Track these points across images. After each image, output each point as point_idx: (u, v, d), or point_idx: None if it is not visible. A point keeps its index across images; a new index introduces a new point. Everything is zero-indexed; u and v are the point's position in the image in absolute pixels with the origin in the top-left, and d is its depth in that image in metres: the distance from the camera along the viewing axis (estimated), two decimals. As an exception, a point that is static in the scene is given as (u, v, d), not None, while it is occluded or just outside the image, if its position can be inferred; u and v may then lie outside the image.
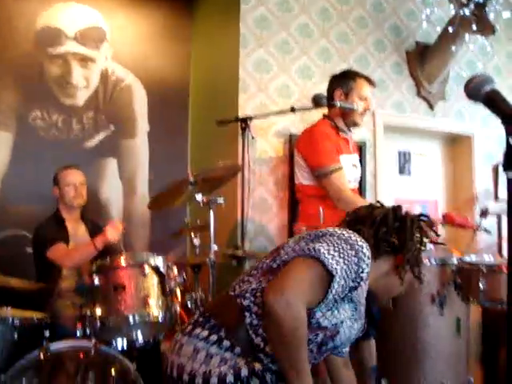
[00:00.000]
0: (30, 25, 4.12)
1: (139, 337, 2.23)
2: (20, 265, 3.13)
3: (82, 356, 2.16)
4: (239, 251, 2.43)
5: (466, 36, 3.59)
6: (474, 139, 4.17)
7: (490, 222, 2.46)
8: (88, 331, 2.21)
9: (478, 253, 2.55)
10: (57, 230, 2.84)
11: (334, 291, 1.30)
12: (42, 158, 3.89)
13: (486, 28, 3.44)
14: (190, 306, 2.29)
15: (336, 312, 1.37)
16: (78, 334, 2.24)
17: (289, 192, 3.33)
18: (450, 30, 3.56)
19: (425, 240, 1.53)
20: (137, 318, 2.11)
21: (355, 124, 2.76)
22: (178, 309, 2.22)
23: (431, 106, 3.99)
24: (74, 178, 2.95)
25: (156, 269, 2.18)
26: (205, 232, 2.63)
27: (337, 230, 1.42)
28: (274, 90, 3.45)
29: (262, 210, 3.27)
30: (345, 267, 1.31)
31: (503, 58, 4.45)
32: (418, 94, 3.92)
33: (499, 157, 3.63)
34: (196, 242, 2.57)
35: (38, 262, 2.86)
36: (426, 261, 2.25)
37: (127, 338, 2.23)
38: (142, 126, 4.04)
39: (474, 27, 3.47)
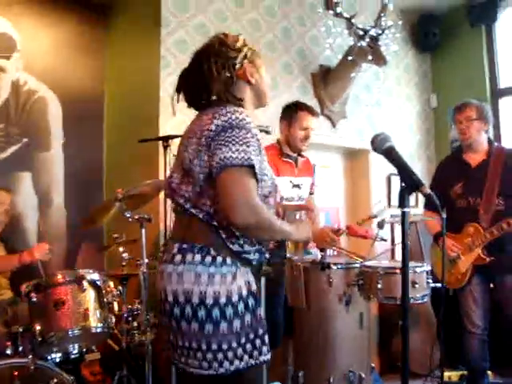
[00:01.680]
0: None
1: (75, 349, 2.31)
2: None
3: (16, 373, 2.13)
4: None
5: (363, 64, 4.05)
6: (371, 153, 4.66)
7: (384, 230, 2.84)
8: (21, 348, 2.22)
9: (377, 258, 2.95)
10: None
11: (259, 172, 1.48)
12: None
13: (379, 58, 3.90)
14: (126, 316, 2.44)
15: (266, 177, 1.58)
16: (9, 352, 2.22)
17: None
18: (349, 58, 3.99)
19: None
20: (76, 331, 2.20)
21: (298, 150, 3.07)
22: (114, 319, 2.36)
23: (333, 124, 4.41)
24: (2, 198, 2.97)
25: (93, 283, 2.31)
26: (130, 246, 2.80)
27: (225, 119, 1.48)
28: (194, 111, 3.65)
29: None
30: (252, 150, 1.44)
31: (393, 81, 5.02)
32: (322, 112, 4.30)
33: (391, 169, 4.18)
34: (125, 255, 2.72)
35: None
36: (334, 266, 2.61)
37: (64, 351, 2.28)
38: (57, 138, 3.98)
39: (370, 57, 3.93)
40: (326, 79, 4.28)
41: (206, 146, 1.45)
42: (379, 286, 2.43)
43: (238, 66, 1.61)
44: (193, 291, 1.44)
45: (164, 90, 3.56)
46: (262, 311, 1.57)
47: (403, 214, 1.27)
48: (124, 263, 2.79)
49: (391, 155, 1.37)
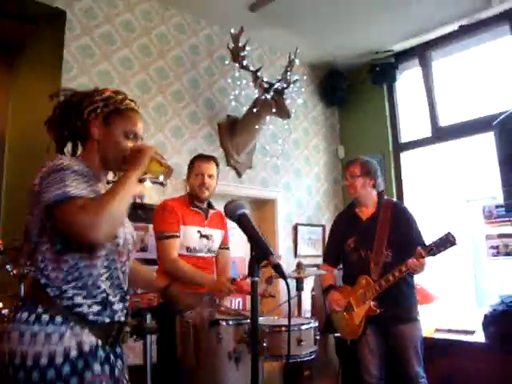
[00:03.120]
0: None
1: None
2: None
3: None
4: None
5: (267, 117, 4.15)
6: (277, 202, 4.74)
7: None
8: None
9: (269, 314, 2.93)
10: None
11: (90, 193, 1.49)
12: None
13: (283, 112, 4.02)
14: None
15: None
16: None
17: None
18: (254, 110, 4.08)
19: None
20: None
21: (200, 198, 3.05)
22: None
23: (239, 174, 4.44)
24: None
25: None
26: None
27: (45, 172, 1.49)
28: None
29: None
30: (68, 183, 1.43)
31: (301, 132, 5.18)
32: (228, 163, 4.34)
33: (297, 217, 4.23)
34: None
35: None
36: (223, 322, 2.56)
37: None
38: None
39: (274, 110, 4.04)
40: (233, 130, 4.33)
41: (35, 201, 1.46)
42: (264, 344, 2.39)
43: (84, 117, 1.60)
44: (15, 352, 1.37)
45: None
46: (100, 371, 1.46)
47: (253, 283, 1.25)
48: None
49: (242, 222, 1.36)
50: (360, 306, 3.00)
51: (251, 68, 4.07)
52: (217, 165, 3.13)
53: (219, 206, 4.58)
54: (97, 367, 1.44)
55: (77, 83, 3.55)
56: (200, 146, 4.18)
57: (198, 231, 3.04)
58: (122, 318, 1.57)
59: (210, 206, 3.17)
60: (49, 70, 3.78)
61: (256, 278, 1.27)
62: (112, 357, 1.53)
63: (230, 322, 2.56)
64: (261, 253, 1.28)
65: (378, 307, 2.92)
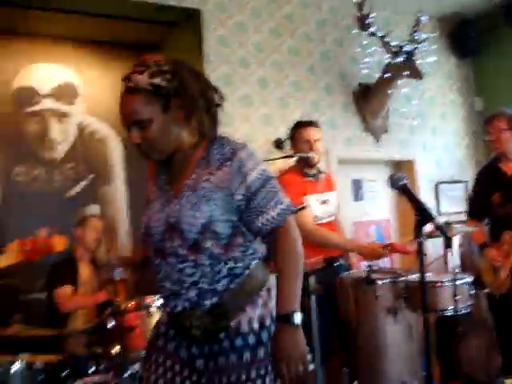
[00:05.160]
0: (7, 87, 4.46)
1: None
2: (15, 311, 3.43)
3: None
4: None
5: (400, 80, 4.18)
6: (416, 162, 4.76)
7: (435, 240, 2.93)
8: (102, 367, 2.54)
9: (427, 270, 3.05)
10: (68, 271, 3.16)
11: None
12: (27, 210, 4.21)
13: (415, 73, 4.03)
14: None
15: None
16: (91, 371, 2.55)
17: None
18: (386, 75, 4.14)
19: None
20: None
21: (312, 165, 3.21)
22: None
23: (376, 138, 4.55)
24: (98, 224, 3.36)
25: (159, 308, 2.59)
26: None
27: None
28: (240, 137, 3.91)
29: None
30: None
31: (435, 89, 5.09)
32: (365, 129, 4.48)
33: (438, 176, 4.25)
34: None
35: (48, 302, 3.15)
36: (379, 281, 2.76)
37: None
38: (119, 172, 4.32)
39: (406, 72, 4.06)
40: (367, 96, 4.44)
41: None
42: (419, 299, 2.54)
43: None
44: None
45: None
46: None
47: (419, 244, 1.44)
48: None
49: (406, 192, 1.55)
50: (505, 262, 3.00)
51: (379, 34, 4.11)
52: (319, 128, 3.15)
53: (356, 171, 4.74)
54: None
55: (219, 74, 3.93)
56: (337, 115, 4.37)
57: (317, 199, 3.09)
58: None
59: (318, 170, 3.19)
60: (191, 65, 4.17)
61: (421, 239, 1.46)
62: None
63: (386, 281, 2.77)
64: (424, 217, 1.46)
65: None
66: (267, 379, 1.41)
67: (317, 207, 3.10)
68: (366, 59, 4.31)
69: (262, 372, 1.41)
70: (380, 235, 4.59)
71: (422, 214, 1.48)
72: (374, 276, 2.78)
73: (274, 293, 1.48)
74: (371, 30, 4.08)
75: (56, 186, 4.45)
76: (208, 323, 1.42)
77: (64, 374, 2.56)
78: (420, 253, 1.45)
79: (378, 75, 4.34)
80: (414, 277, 2.76)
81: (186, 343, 1.49)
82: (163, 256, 1.47)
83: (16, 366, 2.45)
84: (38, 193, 4.42)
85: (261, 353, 1.42)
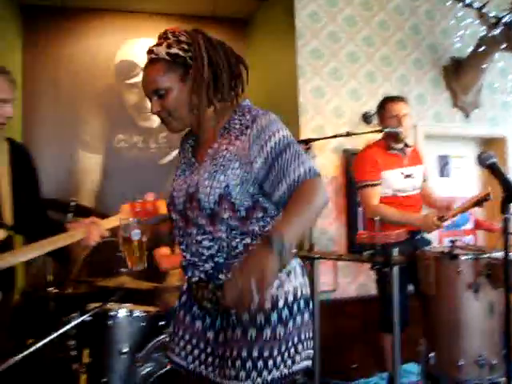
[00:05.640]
0: (110, 60, 4.81)
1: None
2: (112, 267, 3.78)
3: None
4: (312, 253, 2.99)
5: (496, 54, 4.04)
6: (508, 140, 4.61)
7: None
8: None
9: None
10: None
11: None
12: (126, 175, 4.57)
13: (514, 46, 3.88)
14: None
15: None
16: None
17: (345, 199, 3.91)
18: (481, 49, 4.02)
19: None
20: None
21: (399, 140, 3.27)
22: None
23: (467, 114, 4.45)
24: None
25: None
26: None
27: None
28: (329, 112, 4.02)
29: (323, 215, 3.84)
30: None
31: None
32: (455, 104, 4.38)
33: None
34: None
35: (149, 260, 3.51)
36: (462, 257, 2.80)
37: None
38: None
39: (503, 45, 3.92)
40: (458, 71, 4.33)
41: None
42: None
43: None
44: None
45: (303, 96, 3.97)
46: None
47: (505, 220, 1.52)
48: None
49: (494, 170, 1.61)
50: None
51: (475, 4, 3.98)
52: (407, 103, 3.21)
53: (444, 146, 4.66)
54: None
55: (310, 48, 4.01)
56: (426, 90, 4.32)
57: (401, 172, 3.18)
58: None
59: (405, 144, 3.26)
60: (282, 39, 4.29)
61: (508, 215, 1.53)
62: None
63: (469, 257, 2.80)
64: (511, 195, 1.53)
65: None
66: (278, 359, 1.36)
67: (400, 181, 3.19)
68: (460, 32, 4.20)
69: (266, 354, 1.35)
70: (465, 214, 4.52)
71: (510, 192, 1.55)
72: (456, 251, 2.83)
73: (293, 277, 1.44)
74: (467, 0, 3.95)
75: (151, 153, 4.79)
76: (220, 297, 1.37)
77: (161, 323, 2.85)
78: (505, 230, 1.52)
79: (470, 49, 4.22)
80: (498, 254, 2.77)
81: (201, 314, 1.49)
82: (185, 226, 1.46)
83: (121, 313, 2.77)
84: (135, 159, 4.79)
85: (267, 332, 1.37)
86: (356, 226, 3.82)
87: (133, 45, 4.87)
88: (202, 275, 1.44)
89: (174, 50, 1.41)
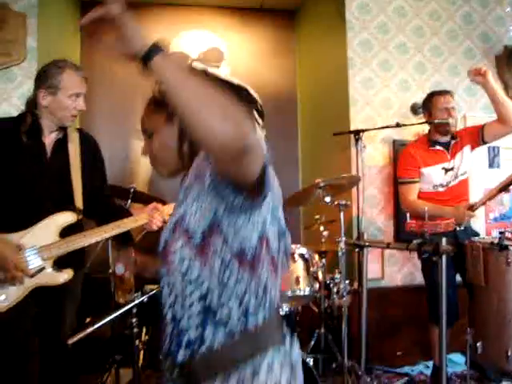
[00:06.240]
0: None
1: (286, 308, 2.83)
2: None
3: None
4: (361, 241, 3.06)
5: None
6: None
7: None
8: None
9: None
10: None
11: None
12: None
13: None
14: (327, 283, 2.99)
15: None
16: None
17: (393, 188, 3.94)
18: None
19: None
20: (290, 293, 2.80)
21: (447, 132, 3.31)
22: (318, 286, 2.93)
23: (518, 105, 4.37)
24: None
25: (302, 256, 2.91)
26: (329, 225, 3.33)
27: None
28: (378, 103, 4.05)
29: (371, 204, 3.91)
30: None
31: None
32: (507, 94, 4.30)
33: None
34: (325, 233, 3.25)
35: None
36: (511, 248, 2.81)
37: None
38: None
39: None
40: (511, 60, 4.26)
41: None
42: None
43: None
44: None
45: (353, 87, 4.01)
46: None
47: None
48: (323, 240, 3.27)
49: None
50: None
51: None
52: (453, 97, 3.31)
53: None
54: None
55: (359, 39, 4.04)
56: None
57: (443, 168, 3.28)
58: None
59: (452, 137, 3.34)
60: (331, 30, 4.33)
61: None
62: None
63: (519, 248, 2.81)
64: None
65: None
66: None
67: (440, 176, 3.29)
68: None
69: None
70: (513, 204, 4.47)
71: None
72: (507, 242, 2.84)
73: (263, 376, 1.05)
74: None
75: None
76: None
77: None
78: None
79: (526, 38, 4.16)
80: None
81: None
82: None
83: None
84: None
85: None
86: (404, 215, 3.85)
87: (184, 37, 5.01)
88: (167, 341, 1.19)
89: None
